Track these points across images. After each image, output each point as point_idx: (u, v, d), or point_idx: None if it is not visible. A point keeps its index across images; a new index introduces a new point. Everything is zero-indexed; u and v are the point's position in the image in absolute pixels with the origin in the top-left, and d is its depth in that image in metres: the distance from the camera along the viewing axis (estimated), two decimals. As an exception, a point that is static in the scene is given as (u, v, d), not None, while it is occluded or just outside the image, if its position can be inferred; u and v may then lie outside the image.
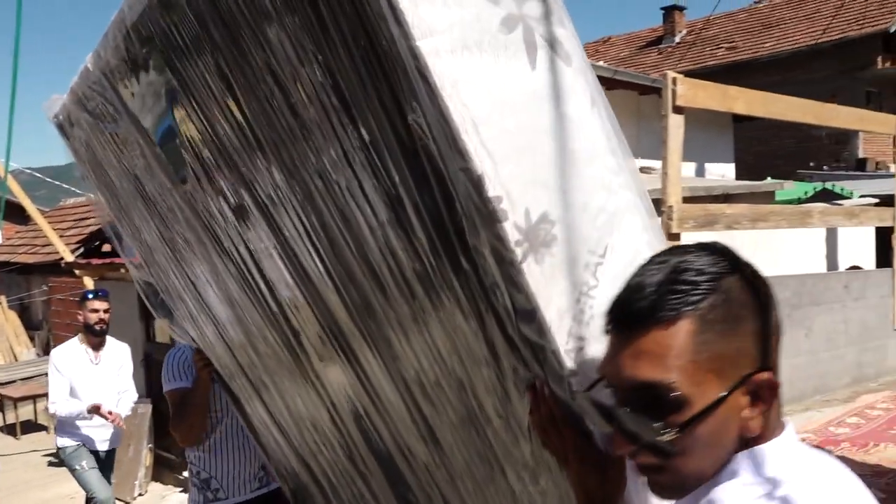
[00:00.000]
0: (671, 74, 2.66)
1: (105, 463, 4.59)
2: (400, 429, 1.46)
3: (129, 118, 1.75)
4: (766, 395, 0.72)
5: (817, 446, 2.85)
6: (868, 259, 7.01)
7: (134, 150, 1.83)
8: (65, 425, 4.40)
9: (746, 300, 0.72)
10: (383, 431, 1.52)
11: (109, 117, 1.84)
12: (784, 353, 3.29)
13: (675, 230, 2.66)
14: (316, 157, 1.22)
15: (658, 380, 0.69)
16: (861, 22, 16.07)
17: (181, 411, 2.59)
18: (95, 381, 4.39)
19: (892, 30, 15.50)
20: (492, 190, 0.94)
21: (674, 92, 2.62)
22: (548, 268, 0.97)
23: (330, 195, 1.24)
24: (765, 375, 0.72)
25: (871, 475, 2.50)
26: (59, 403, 4.31)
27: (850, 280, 4.07)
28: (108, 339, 4.54)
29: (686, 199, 5.43)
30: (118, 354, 4.59)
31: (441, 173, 0.99)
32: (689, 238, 3.16)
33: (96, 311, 4.37)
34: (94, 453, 4.47)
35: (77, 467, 4.40)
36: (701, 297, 0.71)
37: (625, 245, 1.03)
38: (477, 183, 0.94)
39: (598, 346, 0.93)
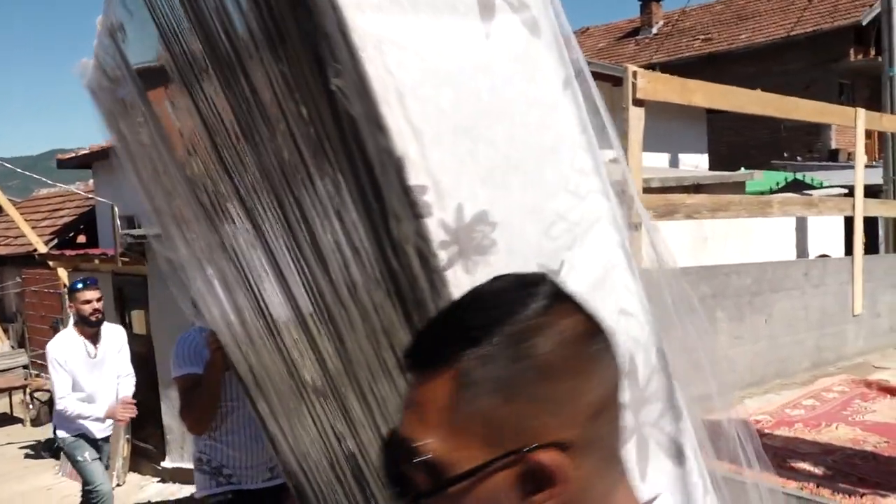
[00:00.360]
0: (631, 68, 2.73)
1: (101, 449, 4.56)
2: (363, 440, 1.38)
3: (132, 80, 1.68)
4: (548, 480, 0.55)
5: (773, 426, 2.96)
6: (837, 247, 7.19)
7: (138, 117, 1.77)
8: (64, 417, 4.29)
9: (543, 355, 0.56)
10: (350, 443, 1.46)
11: (120, 81, 1.76)
12: (745, 338, 3.42)
13: (635, 220, 2.74)
14: (268, 128, 1.10)
15: (413, 438, 0.58)
16: (834, 14, 16.31)
17: (192, 397, 2.52)
18: (97, 372, 4.30)
19: (864, 22, 15.74)
20: (414, 177, 0.78)
21: (634, 85, 2.69)
22: (481, 279, 0.76)
23: (283, 173, 1.13)
24: (547, 455, 0.54)
25: (821, 453, 2.61)
26: (68, 400, 4.17)
27: (809, 268, 4.19)
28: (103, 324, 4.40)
29: (657, 190, 5.53)
30: (115, 339, 4.48)
31: (366, 151, 0.83)
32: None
33: (89, 301, 4.20)
34: (94, 441, 4.42)
35: (80, 458, 4.33)
36: (477, 346, 0.56)
37: (589, 263, 0.86)
38: (398, 167, 0.78)
39: None
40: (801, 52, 16.19)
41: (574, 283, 0.83)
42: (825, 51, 16.02)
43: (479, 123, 0.81)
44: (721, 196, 3.82)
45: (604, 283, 0.84)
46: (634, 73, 2.66)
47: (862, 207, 4.27)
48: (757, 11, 18.04)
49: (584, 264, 0.85)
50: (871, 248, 7.21)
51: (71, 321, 4.53)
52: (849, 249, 4.95)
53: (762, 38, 16.91)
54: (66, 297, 4.53)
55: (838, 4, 16.40)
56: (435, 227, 0.79)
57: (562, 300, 0.60)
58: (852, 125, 4.09)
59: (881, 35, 7.04)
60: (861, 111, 4.16)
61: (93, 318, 4.24)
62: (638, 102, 2.68)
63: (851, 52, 16.23)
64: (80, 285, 4.28)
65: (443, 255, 0.79)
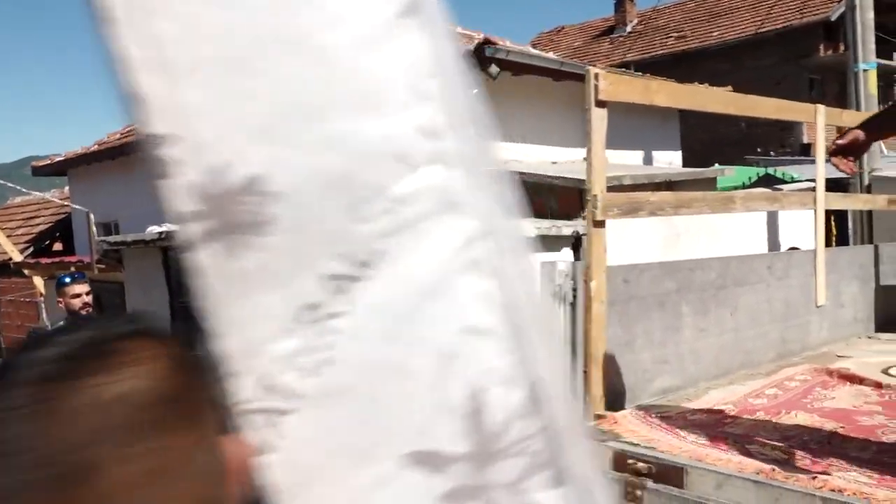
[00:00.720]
0: (593, 70, 2.81)
1: None
2: None
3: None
4: None
5: (736, 415, 3.06)
6: (808, 240, 7.37)
7: None
8: None
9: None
10: None
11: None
12: (710, 331, 3.52)
13: (599, 217, 2.83)
14: None
15: None
16: (803, 11, 16.62)
17: None
18: None
19: (832, 18, 16.06)
20: (157, 123, 0.58)
21: (596, 87, 2.77)
22: (249, 266, 0.60)
23: None
24: None
25: (780, 439, 2.71)
26: None
27: (773, 261, 4.31)
28: None
29: (630, 187, 5.63)
30: None
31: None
32: (613, 226, 3.34)
33: (78, 295, 4.05)
34: None
35: None
36: None
37: (422, 258, 0.62)
38: (139, 108, 0.59)
39: (324, 417, 0.60)
40: (772, 49, 16.49)
41: (395, 284, 0.62)
42: (795, 46, 16.34)
43: (262, 56, 0.59)
44: (684, 193, 3.93)
45: (443, 289, 0.62)
46: (596, 76, 2.74)
47: (824, 201, 4.40)
48: (729, 8, 18.33)
49: (411, 259, 0.62)
50: (842, 240, 7.39)
51: (48, 324, 4.54)
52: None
53: (734, 35, 17.20)
54: (54, 292, 4.47)
55: (807, 1, 16.71)
56: (184, 192, 0.58)
57: (69, 376, 0.41)
58: (813, 121, 4.21)
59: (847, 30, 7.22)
60: (821, 107, 4.28)
61: (83, 312, 4.10)
62: (600, 104, 2.76)
63: (821, 47, 16.56)
64: (67, 280, 4.17)
65: (194, 230, 0.59)
